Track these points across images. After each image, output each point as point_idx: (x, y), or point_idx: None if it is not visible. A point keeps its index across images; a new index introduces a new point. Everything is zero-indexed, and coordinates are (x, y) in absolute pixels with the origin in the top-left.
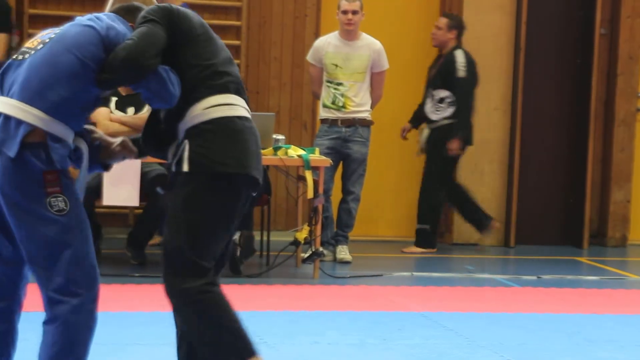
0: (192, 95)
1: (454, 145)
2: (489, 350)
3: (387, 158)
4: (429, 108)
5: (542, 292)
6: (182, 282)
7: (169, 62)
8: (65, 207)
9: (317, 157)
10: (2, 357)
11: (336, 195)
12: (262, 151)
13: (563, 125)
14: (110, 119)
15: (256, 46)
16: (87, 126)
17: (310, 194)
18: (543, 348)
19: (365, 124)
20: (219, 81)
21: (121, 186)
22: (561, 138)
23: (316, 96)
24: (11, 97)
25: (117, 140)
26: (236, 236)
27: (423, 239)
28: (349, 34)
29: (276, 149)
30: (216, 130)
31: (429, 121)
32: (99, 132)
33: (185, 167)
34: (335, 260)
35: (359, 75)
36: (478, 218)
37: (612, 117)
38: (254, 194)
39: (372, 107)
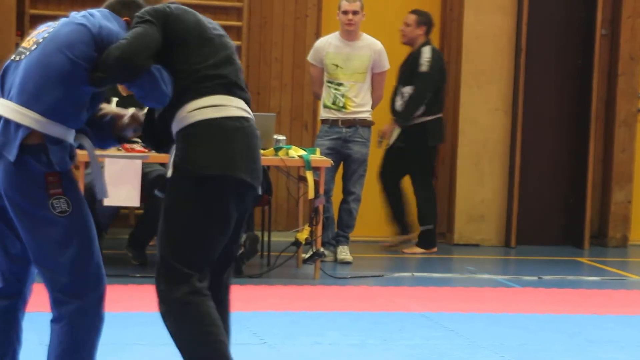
0: (181, 98)
1: (385, 128)
2: (490, 350)
3: None
4: (398, 106)
5: (542, 293)
6: (165, 288)
7: (162, 63)
8: (68, 208)
9: (318, 157)
10: (7, 355)
11: (337, 195)
12: (263, 152)
13: (564, 126)
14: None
15: (257, 47)
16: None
17: (311, 194)
18: (544, 349)
19: (366, 124)
20: (208, 84)
21: (122, 186)
22: (562, 138)
23: (317, 96)
24: (10, 99)
25: (128, 112)
26: (242, 238)
27: (426, 239)
28: (349, 34)
29: (277, 149)
30: (200, 133)
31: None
32: (107, 106)
33: (169, 173)
34: (336, 260)
35: (360, 75)
36: (403, 223)
37: (613, 118)
38: (259, 193)
39: (372, 107)
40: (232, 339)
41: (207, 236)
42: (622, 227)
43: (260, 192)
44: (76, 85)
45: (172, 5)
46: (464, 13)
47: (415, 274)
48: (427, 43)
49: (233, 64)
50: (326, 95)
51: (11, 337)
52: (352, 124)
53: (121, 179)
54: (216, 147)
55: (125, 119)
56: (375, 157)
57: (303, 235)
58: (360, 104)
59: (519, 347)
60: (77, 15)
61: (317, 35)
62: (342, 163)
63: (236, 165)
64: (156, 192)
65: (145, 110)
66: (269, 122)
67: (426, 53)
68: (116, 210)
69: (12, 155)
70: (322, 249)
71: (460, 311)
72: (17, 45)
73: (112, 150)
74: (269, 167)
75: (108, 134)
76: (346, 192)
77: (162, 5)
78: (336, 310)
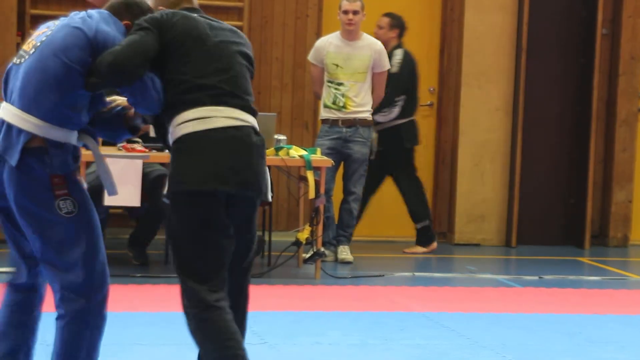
0: (169, 111)
1: None
2: (491, 350)
3: None
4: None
5: (543, 293)
6: (185, 304)
7: (157, 72)
8: (74, 209)
9: (318, 157)
10: (21, 349)
11: (337, 195)
12: None
13: (564, 126)
14: None
15: (258, 46)
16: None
17: (311, 194)
18: (544, 348)
19: (366, 124)
20: (196, 95)
21: (122, 186)
22: (562, 138)
23: (317, 96)
24: (12, 103)
25: None
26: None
27: (425, 235)
28: (349, 34)
29: (278, 149)
30: (182, 149)
31: (376, 123)
32: (116, 98)
33: (165, 190)
34: (336, 260)
35: (360, 75)
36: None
37: (613, 117)
38: (257, 196)
39: (373, 107)
40: None
41: (204, 247)
42: (622, 226)
43: (260, 194)
44: (72, 89)
45: (171, 13)
46: (464, 13)
47: (416, 273)
48: (399, 46)
49: (228, 71)
50: (326, 95)
51: (26, 331)
52: (352, 123)
53: (122, 179)
54: (197, 161)
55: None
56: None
57: (304, 235)
58: (360, 103)
59: (520, 346)
60: (75, 17)
61: (318, 35)
62: (342, 163)
63: (218, 178)
64: (164, 199)
65: None
66: (270, 122)
67: (397, 55)
68: (107, 209)
69: (14, 159)
70: (322, 249)
71: (461, 311)
72: (18, 45)
73: (113, 150)
74: (269, 167)
75: (119, 125)
76: (347, 191)
77: (162, 12)
78: (337, 310)
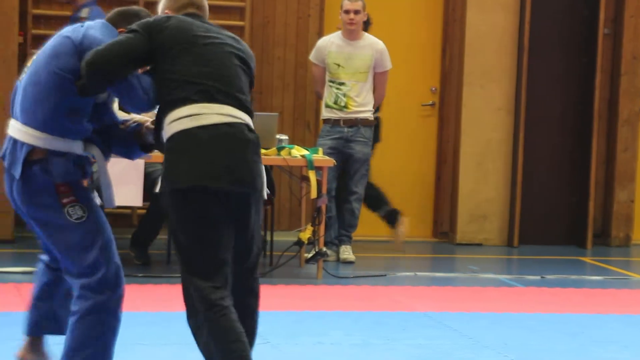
0: (165, 108)
1: None
2: (493, 350)
3: (389, 157)
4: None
5: (545, 292)
6: (188, 303)
7: (152, 73)
8: (84, 214)
9: (320, 157)
10: (61, 309)
11: (339, 195)
12: (266, 151)
13: (566, 125)
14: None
15: (259, 46)
16: (120, 118)
17: (313, 194)
18: (547, 348)
19: (368, 124)
20: (184, 93)
21: (124, 186)
22: (565, 138)
23: (319, 96)
24: (16, 119)
25: (148, 119)
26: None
27: (391, 218)
28: (351, 33)
29: (280, 149)
30: (173, 147)
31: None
32: (134, 116)
33: (156, 189)
34: (338, 260)
35: (361, 75)
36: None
37: (615, 117)
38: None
39: (374, 107)
40: None
41: (200, 243)
42: (625, 226)
43: (255, 192)
44: (65, 96)
45: (165, 17)
46: (466, 12)
47: (418, 273)
48: None
49: (221, 70)
50: (328, 95)
51: (58, 287)
52: (353, 123)
53: (124, 179)
54: (187, 159)
55: (149, 124)
56: (377, 157)
57: (306, 234)
58: (361, 103)
59: (522, 346)
60: (69, 27)
61: (320, 34)
62: (344, 162)
63: (210, 175)
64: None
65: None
66: (272, 122)
67: None
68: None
69: (17, 172)
70: (324, 249)
71: (464, 311)
72: (20, 45)
73: None
74: (271, 166)
75: (133, 142)
76: (348, 191)
77: (156, 16)
78: (339, 309)
